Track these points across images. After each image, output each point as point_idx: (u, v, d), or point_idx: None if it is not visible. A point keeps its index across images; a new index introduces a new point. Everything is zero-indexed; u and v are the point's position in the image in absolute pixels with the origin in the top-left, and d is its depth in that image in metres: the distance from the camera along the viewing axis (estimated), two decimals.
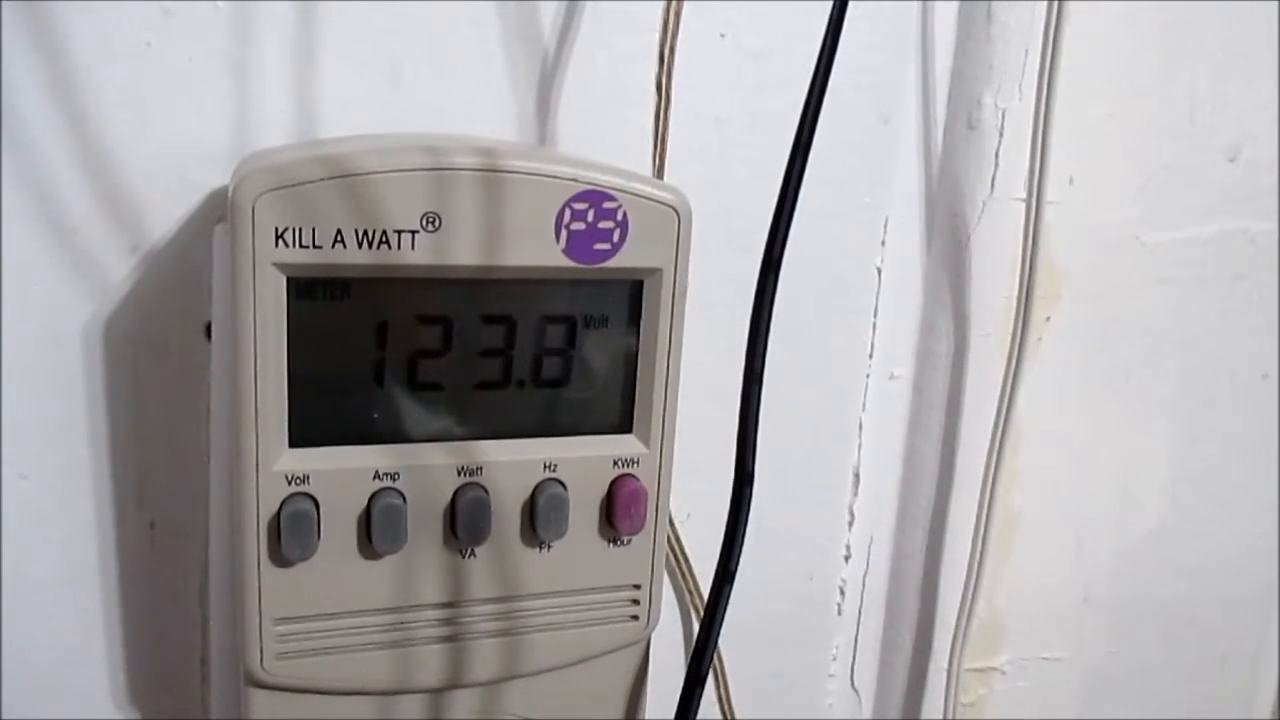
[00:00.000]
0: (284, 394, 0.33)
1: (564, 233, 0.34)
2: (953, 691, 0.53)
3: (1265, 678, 0.65)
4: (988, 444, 0.50)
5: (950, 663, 0.52)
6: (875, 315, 0.49)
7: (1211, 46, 0.51)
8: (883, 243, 0.48)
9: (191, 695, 0.41)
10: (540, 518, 0.36)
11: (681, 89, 0.40)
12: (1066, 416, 0.54)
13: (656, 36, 0.38)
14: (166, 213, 0.36)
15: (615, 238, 0.34)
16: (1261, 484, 0.60)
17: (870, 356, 0.50)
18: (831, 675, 0.54)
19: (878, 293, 0.49)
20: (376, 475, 0.34)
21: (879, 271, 0.48)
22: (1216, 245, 0.54)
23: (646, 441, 0.37)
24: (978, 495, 0.50)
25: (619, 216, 0.34)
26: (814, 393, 0.49)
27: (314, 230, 0.31)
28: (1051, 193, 0.47)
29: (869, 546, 0.53)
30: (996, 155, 0.48)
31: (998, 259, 0.49)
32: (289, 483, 0.33)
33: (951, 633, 0.52)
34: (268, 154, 0.35)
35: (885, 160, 0.47)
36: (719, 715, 0.49)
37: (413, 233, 0.32)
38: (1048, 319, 0.51)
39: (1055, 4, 0.45)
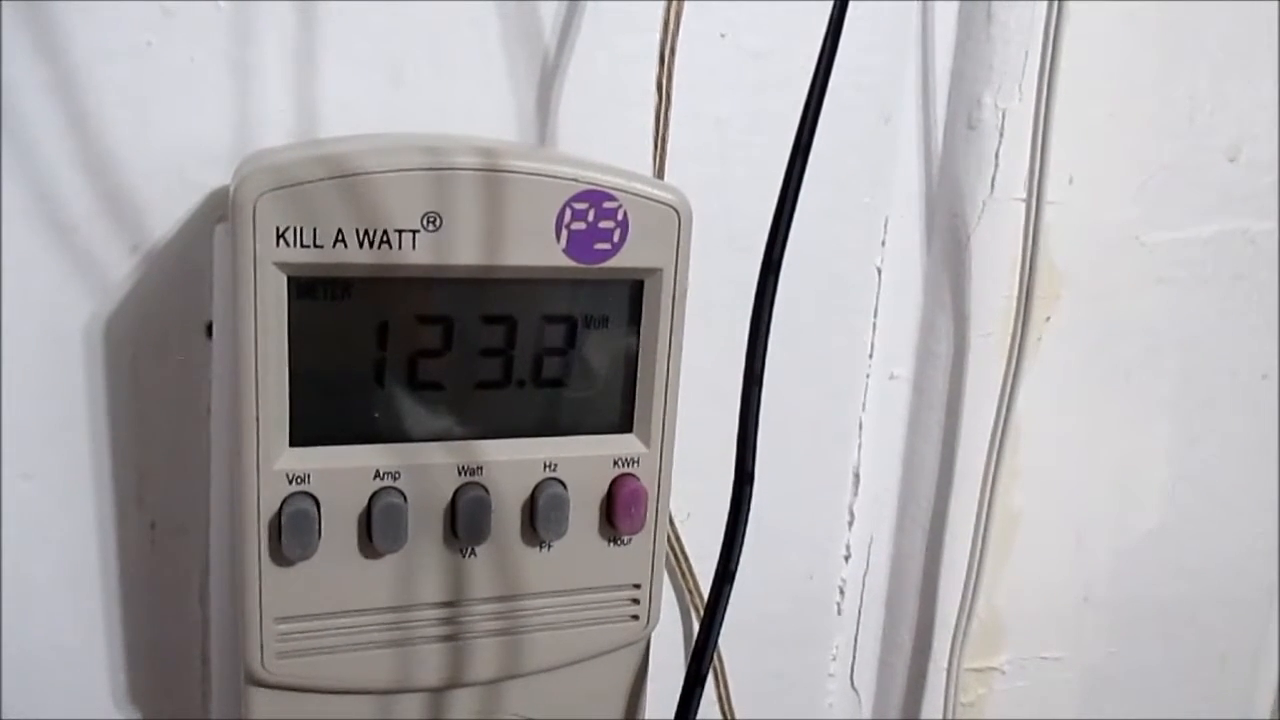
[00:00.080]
0: (285, 393, 0.33)
1: (564, 232, 0.34)
2: (952, 691, 0.53)
3: (1265, 678, 0.65)
4: (988, 444, 0.50)
5: (950, 662, 0.52)
6: (875, 315, 0.49)
7: (1211, 46, 0.51)
8: (883, 243, 0.48)
9: (192, 695, 0.41)
10: (540, 517, 0.36)
11: (682, 89, 0.40)
12: (1066, 416, 0.54)
13: (657, 36, 0.38)
14: (167, 212, 0.36)
15: (616, 238, 0.34)
16: (1261, 484, 0.60)
17: (870, 356, 0.50)
18: (831, 675, 0.54)
19: (878, 293, 0.49)
20: (377, 474, 0.34)
21: (879, 271, 0.48)
22: (1216, 245, 0.54)
23: (647, 441, 0.37)
24: (978, 495, 0.50)
25: (619, 216, 0.34)
26: (814, 393, 0.49)
27: (315, 230, 0.31)
28: (1051, 193, 0.47)
29: (869, 546, 0.53)
30: (996, 155, 0.48)
31: (998, 259, 0.49)
32: (290, 482, 0.33)
33: (951, 632, 0.52)
34: (268, 154, 0.35)
35: (885, 160, 0.47)
36: (719, 715, 0.49)
37: (413, 232, 0.32)
38: (1048, 319, 0.51)
39: (1055, 4, 0.45)
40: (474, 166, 0.32)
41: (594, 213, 0.34)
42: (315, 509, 0.33)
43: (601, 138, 0.41)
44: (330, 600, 0.35)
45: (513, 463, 0.36)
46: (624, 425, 0.37)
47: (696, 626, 0.47)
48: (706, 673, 0.35)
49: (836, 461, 0.51)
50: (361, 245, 0.32)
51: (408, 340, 0.34)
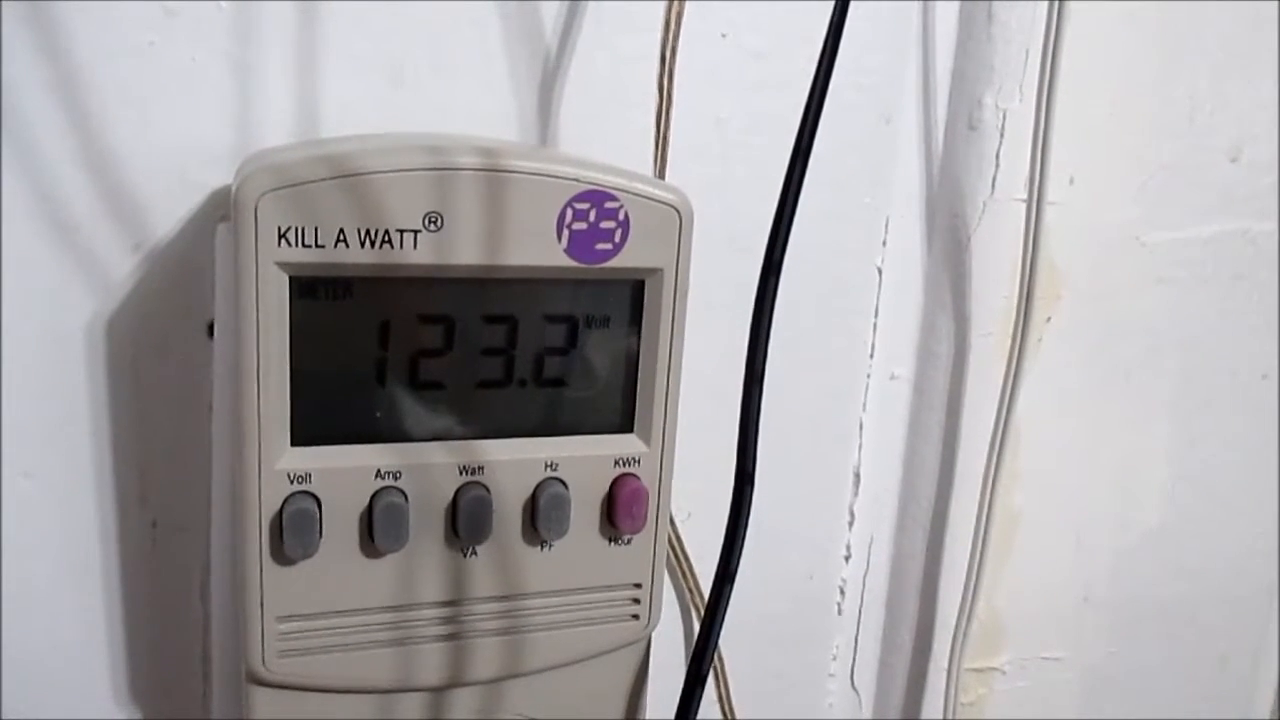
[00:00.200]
0: (286, 393, 0.33)
1: (566, 232, 0.34)
2: (953, 691, 0.53)
3: (1265, 678, 0.65)
4: (988, 444, 0.50)
5: (950, 662, 0.52)
6: (876, 315, 0.49)
7: (1212, 46, 0.51)
8: (883, 243, 0.48)
9: (193, 693, 0.41)
10: (541, 517, 0.36)
11: (683, 89, 0.40)
12: (1066, 416, 0.54)
13: (658, 37, 0.38)
14: (169, 212, 0.36)
15: (617, 238, 0.34)
16: (1261, 484, 0.60)
17: (871, 356, 0.50)
18: (832, 675, 0.54)
19: (878, 293, 0.49)
20: (378, 474, 0.34)
21: (880, 272, 0.49)
22: (1217, 245, 0.54)
23: (648, 441, 0.37)
24: (978, 495, 0.50)
25: (620, 216, 0.34)
26: (815, 393, 0.49)
27: (316, 230, 0.31)
28: (1052, 193, 0.47)
29: (869, 546, 0.53)
30: (997, 156, 0.48)
31: (998, 259, 0.49)
32: (291, 481, 0.33)
33: (951, 632, 0.52)
34: (270, 153, 0.35)
35: (886, 161, 0.47)
36: (719, 715, 0.49)
37: (415, 232, 0.32)
38: (1048, 319, 0.51)
39: (1056, 4, 0.45)
40: (475, 166, 0.32)
41: (595, 213, 0.34)
42: (316, 508, 0.33)
43: (602, 138, 0.41)
44: (331, 599, 0.35)
45: (514, 462, 0.36)
46: (625, 425, 0.37)
47: (697, 626, 0.47)
48: (707, 673, 0.35)
49: (837, 461, 0.51)
50: (363, 245, 0.32)
51: (409, 340, 0.34)
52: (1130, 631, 0.59)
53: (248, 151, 0.36)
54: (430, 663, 0.36)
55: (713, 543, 0.35)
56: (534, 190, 0.33)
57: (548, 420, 0.36)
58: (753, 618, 0.49)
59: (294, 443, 0.33)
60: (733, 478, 0.34)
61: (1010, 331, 0.49)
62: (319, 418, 0.34)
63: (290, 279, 0.32)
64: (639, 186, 0.35)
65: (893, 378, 0.51)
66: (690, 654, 0.48)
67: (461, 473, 0.35)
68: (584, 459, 0.36)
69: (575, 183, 0.34)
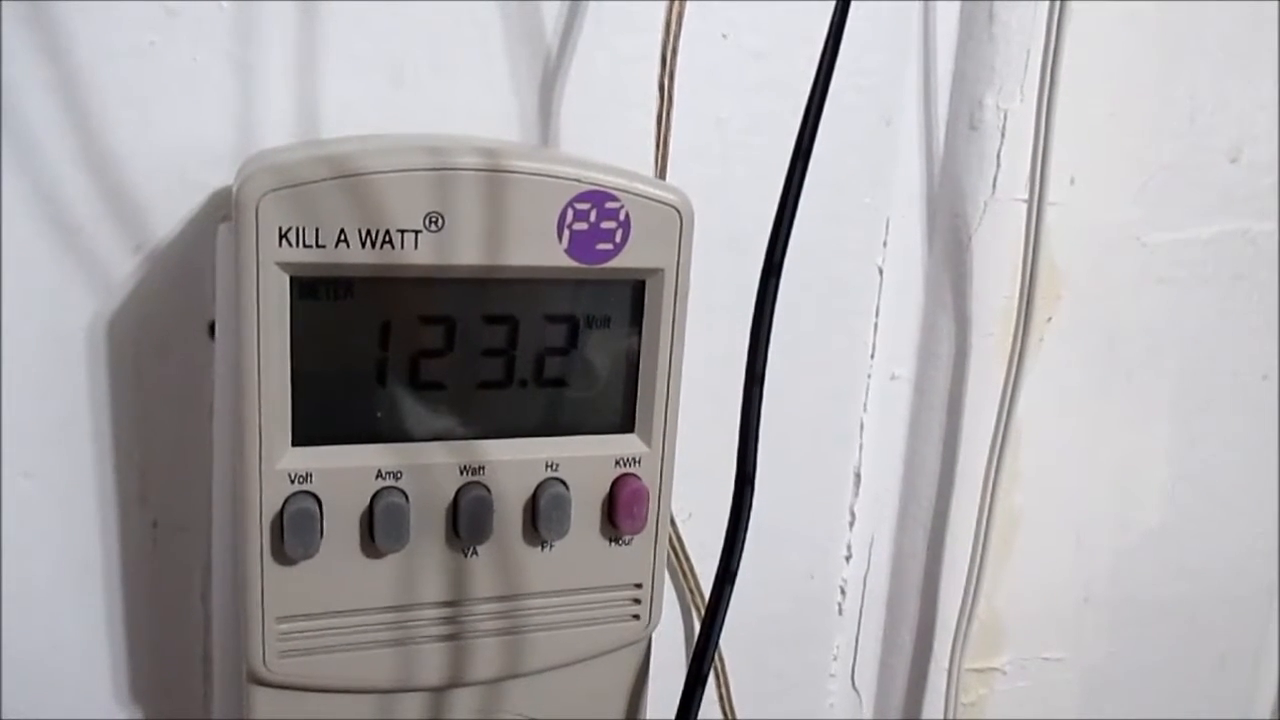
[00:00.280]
0: (287, 393, 0.33)
1: (566, 233, 0.34)
2: (953, 691, 0.53)
3: (1265, 678, 0.65)
4: (989, 444, 0.50)
5: (951, 662, 0.52)
6: (877, 316, 0.49)
7: (1212, 47, 0.51)
8: (884, 243, 0.48)
9: (194, 694, 0.41)
10: (542, 517, 0.36)
11: (683, 90, 0.40)
12: (1067, 417, 0.54)
13: (658, 37, 0.38)
14: (170, 212, 0.36)
15: (617, 238, 0.34)
16: (1261, 484, 0.60)
17: (871, 357, 0.50)
18: (832, 675, 0.54)
19: (879, 293, 0.49)
20: (379, 474, 0.34)
21: (880, 272, 0.49)
22: (1217, 246, 0.54)
23: (648, 441, 0.37)
24: (978, 495, 0.50)
25: (621, 217, 0.34)
26: (815, 393, 0.49)
27: (317, 230, 0.31)
28: (1053, 193, 0.47)
29: (870, 546, 0.53)
30: (998, 156, 0.48)
31: (999, 259, 0.49)
32: (292, 481, 0.33)
33: (952, 633, 0.52)
34: (271, 154, 0.35)
35: (886, 161, 0.47)
36: (720, 715, 0.49)
37: (415, 232, 0.32)
38: (1049, 319, 0.51)
39: (1056, 4, 0.45)
40: (476, 167, 0.32)
41: (596, 213, 0.34)
42: (317, 508, 0.33)
43: (603, 138, 0.41)
44: (332, 599, 0.35)
45: (514, 462, 0.36)
46: (625, 425, 0.37)
47: (698, 626, 0.47)
48: (707, 673, 0.35)
49: (838, 462, 0.51)
50: (364, 245, 0.32)
51: (410, 340, 0.34)
52: (1131, 632, 0.59)
53: (248, 152, 0.36)
54: (431, 663, 0.36)
55: (713, 543, 0.35)
56: (535, 190, 0.33)
57: (548, 420, 0.36)
58: (753, 618, 0.49)
59: (295, 443, 0.33)
60: (733, 478, 0.34)
61: (1011, 332, 0.49)
62: (320, 418, 0.34)
63: (291, 279, 0.32)
64: (640, 187, 0.35)
65: (893, 378, 0.51)
66: (691, 654, 0.48)
67: (462, 473, 0.35)
68: (585, 459, 0.36)
69: (576, 183, 0.34)
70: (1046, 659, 0.57)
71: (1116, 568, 0.58)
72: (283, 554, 0.33)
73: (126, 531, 0.39)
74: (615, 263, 0.35)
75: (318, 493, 0.34)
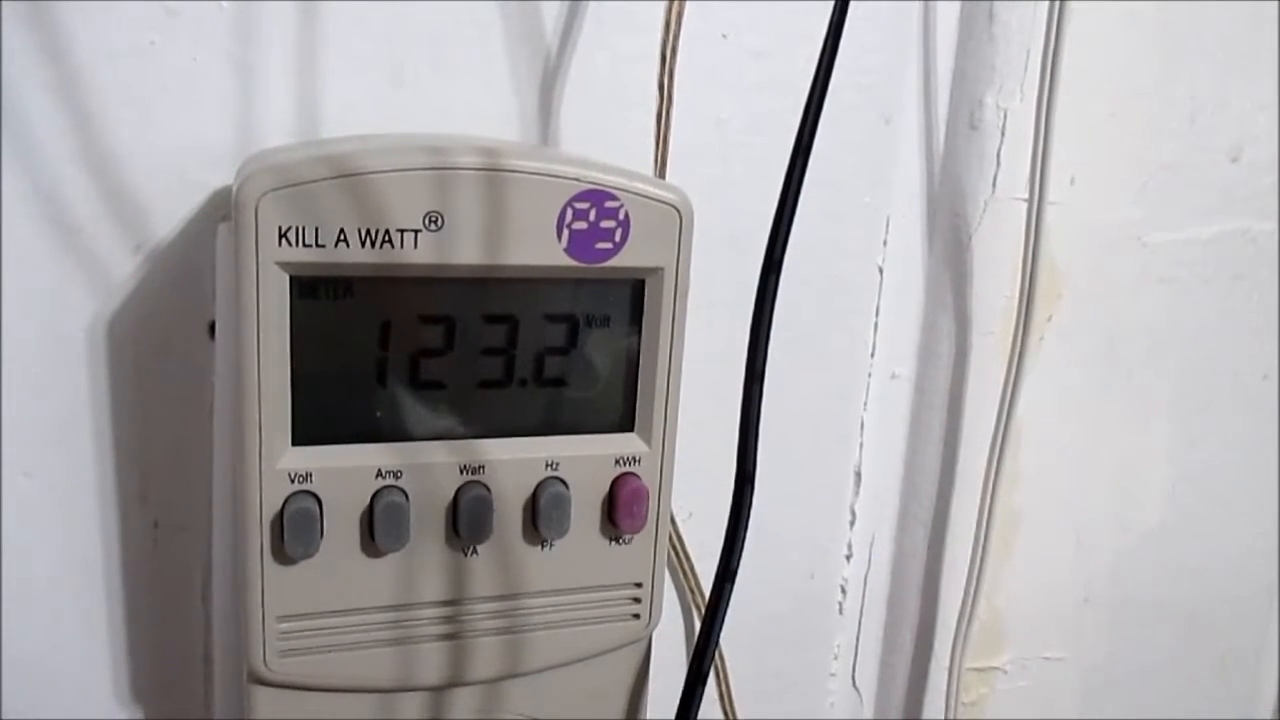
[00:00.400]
0: (287, 392, 0.33)
1: (566, 232, 0.34)
2: (954, 691, 0.53)
3: (1266, 678, 0.65)
4: (989, 443, 0.50)
5: (951, 662, 0.52)
6: (877, 315, 0.49)
7: (1212, 46, 0.51)
8: (884, 242, 0.48)
9: (194, 693, 0.41)
10: (542, 516, 0.36)
11: (683, 89, 0.40)
12: (1067, 416, 0.54)
13: (658, 37, 0.38)
14: (170, 212, 0.36)
15: (617, 237, 0.34)
16: (1262, 484, 0.60)
17: (872, 356, 0.50)
18: (833, 674, 0.54)
19: (879, 292, 0.49)
20: (379, 473, 0.34)
21: (880, 271, 0.49)
22: (1217, 245, 0.54)
23: (648, 440, 0.37)
24: (979, 494, 0.50)
25: (621, 216, 0.34)
26: (815, 392, 0.49)
27: (317, 229, 0.31)
28: (1053, 193, 0.47)
29: (870, 546, 0.53)
30: (998, 155, 0.48)
31: (999, 259, 0.49)
32: (292, 481, 0.33)
33: (953, 632, 0.52)
34: (271, 153, 0.35)
35: (887, 160, 0.47)
36: (720, 714, 0.49)
37: (415, 232, 0.32)
38: (1049, 319, 0.51)
39: (1057, 4, 0.45)
40: (475, 166, 0.32)
41: (595, 212, 0.34)
42: (317, 508, 0.33)
43: (603, 138, 0.41)
44: (332, 599, 0.35)
45: (514, 462, 0.36)
46: (625, 424, 0.37)
47: (698, 625, 0.47)
48: (708, 672, 0.35)
49: (838, 461, 0.51)
50: (363, 245, 0.32)
51: (409, 339, 0.34)
52: (1131, 631, 0.59)
53: (248, 151, 0.36)
54: (431, 662, 0.36)
55: (713, 542, 0.35)
56: (534, 190, 0.33)
57: (548, 420, 0.36)
58: (753, 617, 0.49)
59: (295, 442, 0.33)
60: (733, 477, 0.34)
61: (1011, 331, 0.49)
62: (320, 417, 0.34)
63: (291, 279, 0.32)
64: (639, 186, 0.35)
65: (894, 377, 0.51)
66: (691, 653, 0.48)
67: (462, 472, 0.35)
68: (584, 458, 0.36)
69: (575, 182, 0.34)
70: (1047, 658, 0.57)
71: (1117, 567, 0.58)
72: (283, 553, 0.33)
73: (127, 531, 0.39)
74: (615, 262, 0.35)
75: (318, 492, 0.34)
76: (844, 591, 0.53)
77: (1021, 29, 0.46)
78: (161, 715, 0.41)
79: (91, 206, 0.36)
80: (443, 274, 0.33)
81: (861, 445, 0.51)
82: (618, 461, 0.37)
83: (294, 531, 0.33)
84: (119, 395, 0.37)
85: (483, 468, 0.35)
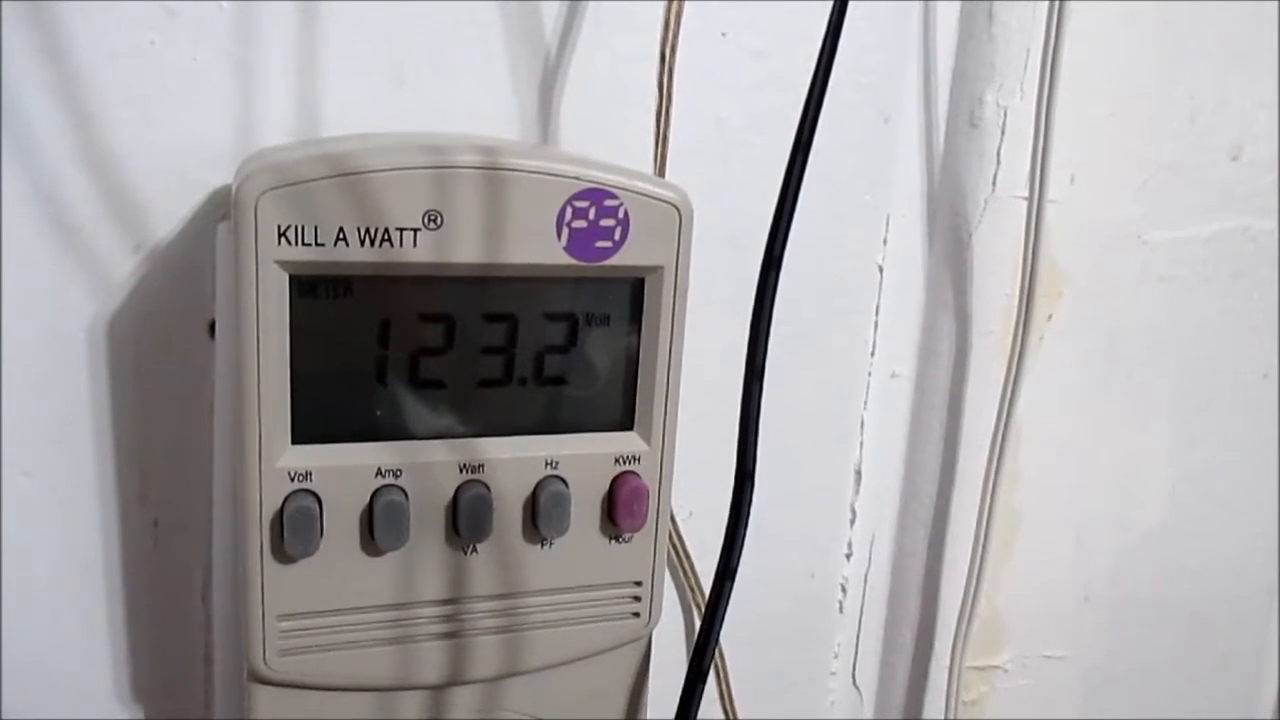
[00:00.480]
0: (286, 391, 0.33)
1: (565, 231, 0.34)
2: (954, 689, 0.53)
3: (1266, 677, 0.65)
4: (989, 442, 0.50)
5: (952, 661, 0.52)
6: (877, 314, 0.49)
7: (1212, 45, 0.51)
8: (884, 241, 0.48)
9: (195, 692, 0.41)
10: (542, 515, 0.36)
11: (683, 88, 0.40)
12: (1067, 415, 0.54)
13: (657, 36, 0.38)
14: (169, 211, 0.36)
15: (617, 236, 0.34)
16: (1262, 483, 0.60)
17: (872, 354, 0.50)
18: (833, 673, 0.54)
19: (879, 291, 0.49)
20: (379, 472, 0.34)
21: (880, 270, 0.49)
22: (1218, 244, 0.54)
23: (648, 439, 0.37)
24: (979, 493, 0.50)
25: (620, 214, 0.34)
26: (815, 391, 0.49)
27: (316, 228, 0.31)
28: (1053, 191, 0.47)
29: (871, 544, 0.53)
30: (998, 154, 0.48)
31: (999, 257, 0.49)
32: (292, 479, 0.33)
33: (953, 630, 0.52)
34: (270, 153, 0.35)
35: (886, 159, 0.47)
36: (720, 713, 0.49)
37: (415, 231, 0.32)
38: (1049, 317, 0.51)
39: (1057, 3, 0.45)
40: (475, 165, 0.32)
41: (595, 211, 0.34)
42: (317, 506, 0.33)
43: (603, 137, 0.41)
44: (332, 598, 0.35)
45: (514, 460, 0.36)
46: (625, 423, 0.37)
47: (698, 624, 0.47)
48: (708, 671, 0.35)
49: (838, 459, 0.51)
50: (363, 244, 0.32)
51: (409, 338, 0.34)
52: (1131, 630, 0.59)
53: (248, 151, 0.36)
54: (431, 661, 0.36)
55: (713, 541, 0.35)
56: (534, 188, 0.33)
57: (548, 418, 0.36)
58: (754, 616, 0.49)
59: (294, 441, 0.33)
60: (733, 475, 0.34)
61: (1011, 330, 0.49)
62: (319, 416, 0.34)
63: (290, 278, 0.32)
64: (639, 184, 0.35)
65: (894, 376, 0.51)
66: (691, 652, 0.48)
67: (462, 471, 0.35)
68: (584, 457, 0.36)
69: (575, 181, 0.34)
70: (1047, 657, 0.57)
71: (1117, 566, 0.58)
72: (283, 552, 0.33)
73: (127, 531, 0.39)
74: (614, 260, 0.35)
75: (318, 491, 0.34)
76: (844, 590, 0.53)
77: (1021, 27, 0.46)
78: (162, 715, 0.41)
79: (91, 206, 0.36)
80: (442, 273, 0.33)
81: (862, 444, 0.51)
82: (617, 460, 0.37)
83: (294, 530, 0.33)
84: (119, 395, 0.38)
85: (482, 466, 0.35)
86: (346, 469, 0.34)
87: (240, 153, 0.36)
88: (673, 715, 0.36)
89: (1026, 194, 0.47)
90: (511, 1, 0.39)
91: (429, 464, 0.35)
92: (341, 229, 0.32)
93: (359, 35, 0.37)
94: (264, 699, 0.35)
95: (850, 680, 0.55)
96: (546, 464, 0.36)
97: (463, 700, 0.38)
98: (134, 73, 0.35)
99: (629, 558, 0.38)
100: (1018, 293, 0.48)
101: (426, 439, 0.35)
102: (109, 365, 0.37)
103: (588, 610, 0.38)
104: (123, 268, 0.37)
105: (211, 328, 0.37)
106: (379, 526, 0.34)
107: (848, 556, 0.52)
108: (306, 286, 0.32)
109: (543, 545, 0.37)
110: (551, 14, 0.39)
